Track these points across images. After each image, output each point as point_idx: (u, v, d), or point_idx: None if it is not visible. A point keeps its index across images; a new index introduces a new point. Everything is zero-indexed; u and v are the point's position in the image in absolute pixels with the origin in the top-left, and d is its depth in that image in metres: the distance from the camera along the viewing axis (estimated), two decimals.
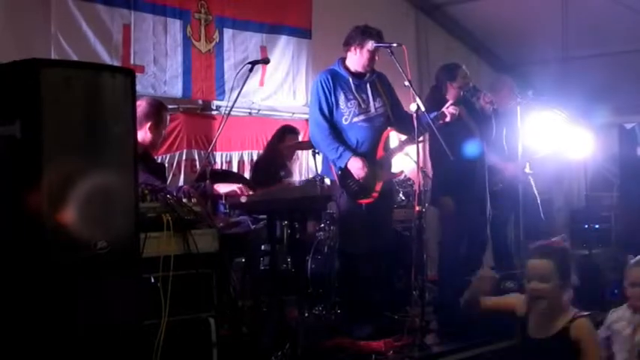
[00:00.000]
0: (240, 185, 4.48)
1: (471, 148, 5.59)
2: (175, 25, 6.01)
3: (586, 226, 7.74)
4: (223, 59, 6.33)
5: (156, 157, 5.03)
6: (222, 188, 4.46)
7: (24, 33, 5.13)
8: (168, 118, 4.72)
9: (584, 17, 7.29)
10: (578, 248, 7.23)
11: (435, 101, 5.46)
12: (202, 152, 6.08)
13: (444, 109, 5.14)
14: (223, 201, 4.82)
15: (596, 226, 7.70)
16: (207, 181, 4.49)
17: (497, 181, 6.09)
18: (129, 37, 5.70)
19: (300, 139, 6.17)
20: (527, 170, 6.12)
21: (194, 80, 6.13)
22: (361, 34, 4.96)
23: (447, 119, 5.11)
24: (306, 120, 5.61)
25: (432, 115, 5.02)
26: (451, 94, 5.63)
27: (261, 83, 6.57)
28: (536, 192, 6.23)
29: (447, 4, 8.09)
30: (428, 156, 6.02)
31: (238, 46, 6.44)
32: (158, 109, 4.52)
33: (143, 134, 4.46)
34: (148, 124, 4.42)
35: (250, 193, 4.46)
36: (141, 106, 4.50)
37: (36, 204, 2.90)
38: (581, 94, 7.57)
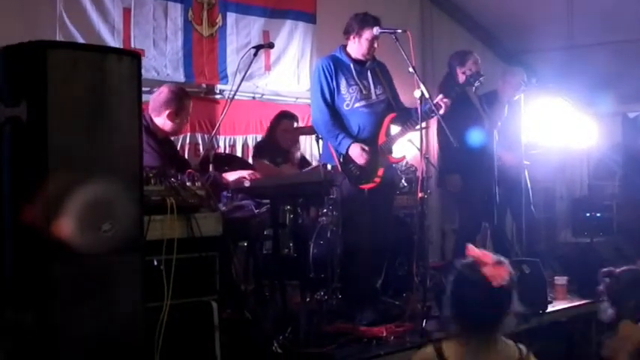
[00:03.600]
0: (249, 172, 4.48)
1: (477, 135, 5.60)
2: (176, 9, 5.98)
3: (588, 214, 7.75)
4: (226, 43, 6.31)
5: None
6: (231, 176, 4.46)
7: (30, 14, 5.12)
8: (191, 105, 4.68)
9: (590, 5, 7.27)
10: (580, 237, 7.25)
11: (447, 87, 5.44)
12: (206, 136, 6.07)
13: (436, 100, 4.93)
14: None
15: (598, 215, 7.71)
16: (212, 171, 4.46)
17: None
18: (129, 21, 5.68)
19: (300, 124, 6.17)
20: (525, 162, 6.11)
21: (195, 64, 6.10)
22: (359, 22, 4.92)
23: (442, 111, 4.95)
24: (309, 105, 5.60)
25: (426, 106, 4.87)
26: (461, 80, 5.61)
27: (267, 68, 6.56)
28: (529, 185, 6.20)
29: None
30: (435, 139, 5.99)
31: (241, 30, 6.41)
32: (179, 96, 4.51)
33: (163, 121, 4.46)
34: (167, 112, 4.42)
35: (257, 176, 4.46)
36: (163, 93, 4.50)
37: (40, 186, 2.91)
38: (585, 83, 7.55)
